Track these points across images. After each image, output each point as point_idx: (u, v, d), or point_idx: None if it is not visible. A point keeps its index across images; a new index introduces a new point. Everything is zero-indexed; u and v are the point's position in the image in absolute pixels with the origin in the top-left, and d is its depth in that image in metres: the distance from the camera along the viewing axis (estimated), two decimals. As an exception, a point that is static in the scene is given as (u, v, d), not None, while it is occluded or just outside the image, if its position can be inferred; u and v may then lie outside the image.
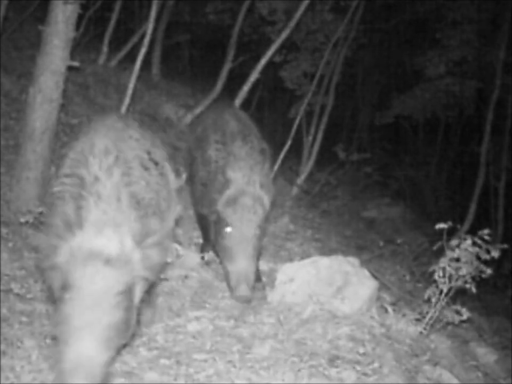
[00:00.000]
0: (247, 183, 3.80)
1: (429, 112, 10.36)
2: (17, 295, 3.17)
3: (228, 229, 3.70)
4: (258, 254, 3.89)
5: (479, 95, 9.69)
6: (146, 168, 2.79)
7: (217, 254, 3.99)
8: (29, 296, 3.21)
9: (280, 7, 7.80)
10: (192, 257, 4.19)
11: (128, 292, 2.32)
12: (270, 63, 7.29)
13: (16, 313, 3.08)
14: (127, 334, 2.38)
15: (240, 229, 3.69)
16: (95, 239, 2.31)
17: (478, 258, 3.62)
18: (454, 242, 3.67)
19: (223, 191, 3.77)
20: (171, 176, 3.13)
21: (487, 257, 3.61)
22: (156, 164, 2.93)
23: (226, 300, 3.79)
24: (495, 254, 3.61)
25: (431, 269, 3.74)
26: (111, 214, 2.40)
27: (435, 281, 3.67)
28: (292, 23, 6.70)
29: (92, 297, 2.22)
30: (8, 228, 3.80)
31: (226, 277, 3.74)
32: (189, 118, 7.40)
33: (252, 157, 3.97)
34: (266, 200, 3.84)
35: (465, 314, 3.65)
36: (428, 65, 9.36)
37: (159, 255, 2.55)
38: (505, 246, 3.75)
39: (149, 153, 2.93)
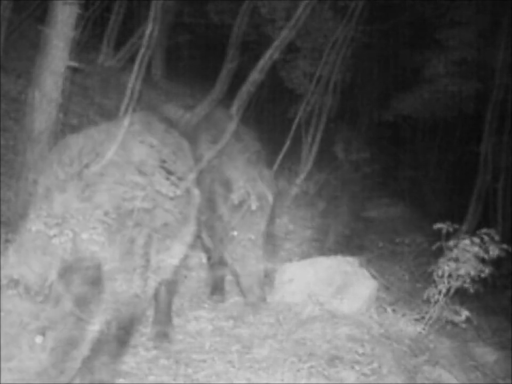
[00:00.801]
0: (247, 180, 3.65)
1: (429, 112, 10.36)
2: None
3: (235, 233, 3.57)
4: (264, 252, 3.73)
5: (478, 95, 9.68)
6: (144, 174, 2.51)
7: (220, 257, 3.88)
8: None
9: (280, 6, 7.81)
10: (191, 257, 4.18)
11: (62, 330, 2.01)
12: (270, 63, 7.28)
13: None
14: (61, 379, 2.06)
15: (247, 230, 3.55)
16: (19, 266, 2.01)
17: (477, 258, 3.62)
18: (452, 242, 3.67)
19: (227, 195, 3.60)
20: (194, 190, 2.91)
21: (485, 256, 3.62)
22: (170, 173, 2.67)
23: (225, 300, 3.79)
24: (494, 253, 3.62)
25: (430, 269, 3.75)
26: (45, 239, 2.09)
27: (434, 281, 3.67)
28: (291, 23, 6.71)
29: (8, 332, 1.93)
30: (8, 228, 3.80)
31: (236, 280, 3.65)
32: (188, 118, 7.39)
33: (245, 156, 3.85)
34: (270, 196, 3.71)
35: (464, 314, 3.65)
36: (427, 65, 9.37)
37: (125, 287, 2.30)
38: (504, 245, 3.75)
39: (163, 161, 2.68)
